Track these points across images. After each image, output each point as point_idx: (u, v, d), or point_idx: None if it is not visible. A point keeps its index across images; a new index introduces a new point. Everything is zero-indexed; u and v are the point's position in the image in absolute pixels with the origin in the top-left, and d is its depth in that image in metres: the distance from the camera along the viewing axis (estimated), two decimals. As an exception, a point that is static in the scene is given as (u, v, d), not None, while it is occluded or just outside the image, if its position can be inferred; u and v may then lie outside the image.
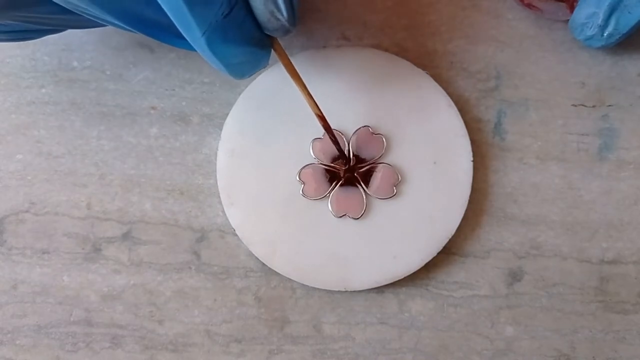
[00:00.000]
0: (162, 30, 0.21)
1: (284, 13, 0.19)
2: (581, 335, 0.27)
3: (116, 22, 0.20)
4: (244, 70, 0.21)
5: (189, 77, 0.27)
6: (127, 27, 0.21)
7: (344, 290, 0.26)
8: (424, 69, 0.27)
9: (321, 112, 0.24)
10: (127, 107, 0.27)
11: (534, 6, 0.26)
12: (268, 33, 0.20)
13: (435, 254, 0.26)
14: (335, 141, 0.25)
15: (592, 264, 0.27)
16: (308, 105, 0.23)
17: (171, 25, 0.19)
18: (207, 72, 0.27)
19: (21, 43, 0.27)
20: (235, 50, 0.20)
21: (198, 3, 0.18)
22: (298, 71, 0.23)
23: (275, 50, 0.22)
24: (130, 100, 0.27)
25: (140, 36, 0.27)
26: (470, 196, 0.26)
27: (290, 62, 0.22)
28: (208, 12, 0.18)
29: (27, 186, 0.27)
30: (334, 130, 0.24)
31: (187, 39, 0.19)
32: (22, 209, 0.27)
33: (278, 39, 0.22)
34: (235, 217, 0.26)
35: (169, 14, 0.18)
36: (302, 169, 0.26)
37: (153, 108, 0.27)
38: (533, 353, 0.27)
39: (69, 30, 0.27)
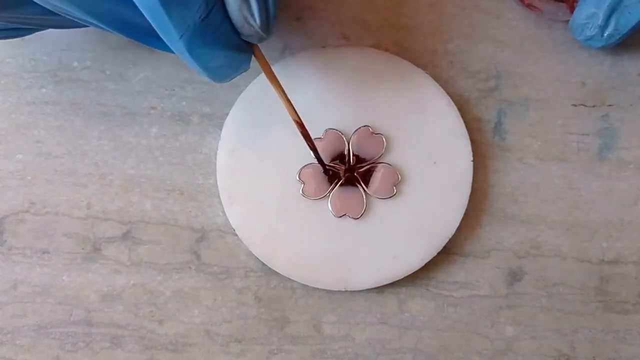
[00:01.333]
0: (141, 32, 0.21)
1: (257, 20, 0.19)
2: (581, 335, 0.27)
3: (96, 23, 0.20)
4: (223, 73, 0.21)
5: (189, 77, 0.27)
6: (107, 29, 0.21)
7: (344, 290, 0.26)
8: (424, 69, 0.27)
9: (299, 119, 0.24)
10: (127, 107, 0.27)
11: (534, 6, 0.26)
12: (244, 38, 0.20)
13: (435, 254, 0.26)
14: (313, 149, 0.25)
15: (592, 264, 0.27)
16: (287, 112, 0.23)
17: (150, 28, 0.19)
18: (207, 72, 0.27)
19: (21, 43, 0.27)
20: (214, 54, 0.20)
21: (175, 6, 0.18)
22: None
23: (254, 55, 0.22)
24: (130, 100, 0.27)
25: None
26: (470, 196, 0.26)
27: (270, 68, 0.22)
28: (185, 15, 0.18)
29: (27, 186, 0.27)
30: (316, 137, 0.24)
31: (165, 41, 0.19)
32: (22, 209, 0.27)
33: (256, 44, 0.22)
34: (235, 217, 0.26)
35: (146, 16, 0.18)
36: (302, 168, 0.26)
37: (153, 108, 0.27)
38: (533, 353, 0.27)
39: (69, 30, 0.27)
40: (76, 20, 0.21)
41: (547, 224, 0.27)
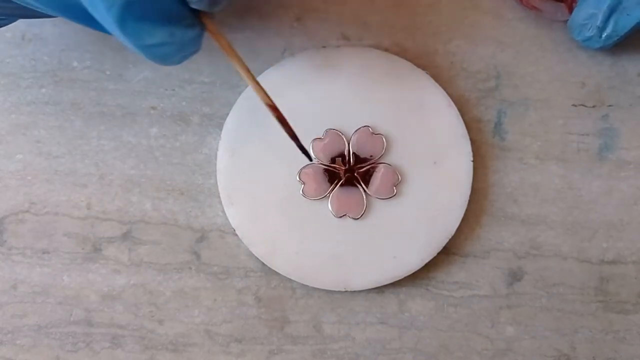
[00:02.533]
0: (81, 14, 0.18)
1: None
2: (581, 335, 0.27)
3: (38, 6, 0.18)
4: (165, 53, 0.18)
5: (189, 77, 0.27)
6: (50, 12, 0.19)
7: (344, 290, 0.26)
8: (424, 69, 0.27)
9: (272, 102, 0.21)
10: (127, 107, 0.27)
11: (534, 6, 0.26)
12: (193, 6, 0.18)
13: (435, 254, 0.26)
14: (290, 133, 0.22)
15: (592, 264, 0.27)
16: (255, 93, 0.21)
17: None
18: (207, 72, 0.27)
19: (21, 43, 0.27)
20: (152, 30, 0.17)
21: None
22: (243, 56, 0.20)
23: (208, 29, 0.19)
24: (130, 100, 0.27)
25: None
26: (470, 196, 0.26)
27: (228, 43, 0.20)
28: None
29: (27, 186, 0.27)
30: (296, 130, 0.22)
31: (96, 17, 0.17)
32: (22, 209, 0.27)
33: (210, 17, 0.19)
34: (235, 217, 0.26)
35: None
36: (302, 169, 0.26)
37: (153, 108, 0.27)
38: (533, 353, 0.27)
39: (69, 30, 0.27)
40: (24, 5, 0.19)
41: (547, 224, 0.27)
